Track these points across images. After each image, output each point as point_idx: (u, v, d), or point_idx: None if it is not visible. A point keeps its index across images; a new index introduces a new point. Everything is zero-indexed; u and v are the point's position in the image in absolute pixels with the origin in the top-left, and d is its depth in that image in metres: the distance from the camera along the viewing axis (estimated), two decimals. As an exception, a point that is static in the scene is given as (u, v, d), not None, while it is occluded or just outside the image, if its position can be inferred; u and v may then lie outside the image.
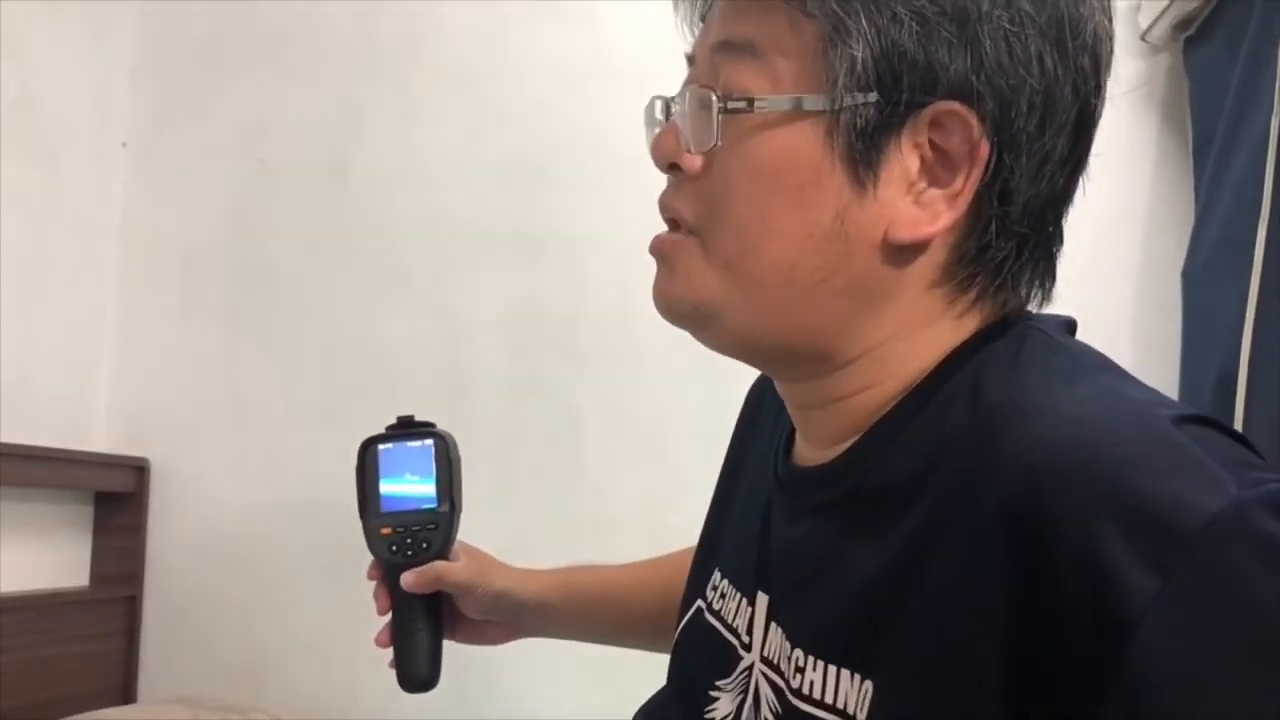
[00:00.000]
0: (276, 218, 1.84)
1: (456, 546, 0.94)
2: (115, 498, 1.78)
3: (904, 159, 0.56)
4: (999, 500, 0.48)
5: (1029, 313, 0.61)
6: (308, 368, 1.79)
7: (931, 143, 0.55)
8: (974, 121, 0.54)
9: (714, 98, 0.58)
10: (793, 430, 0.68)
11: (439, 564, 0.91)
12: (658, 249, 0.63)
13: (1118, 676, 0.43)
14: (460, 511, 0.94)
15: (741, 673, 0.66)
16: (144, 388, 1.84)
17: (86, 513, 1.80)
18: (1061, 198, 0.58)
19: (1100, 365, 0.55)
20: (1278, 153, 1.23)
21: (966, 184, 0.55)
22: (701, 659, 0.72)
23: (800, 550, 0.62)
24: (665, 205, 0.63)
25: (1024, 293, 0.60)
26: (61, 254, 1.78)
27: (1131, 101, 1.59)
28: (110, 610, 1.76)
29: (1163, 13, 1.49)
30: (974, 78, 0.54)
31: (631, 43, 1.67)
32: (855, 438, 0.60)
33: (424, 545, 0.91)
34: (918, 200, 0.56)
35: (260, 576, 1.76)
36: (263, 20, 1.88)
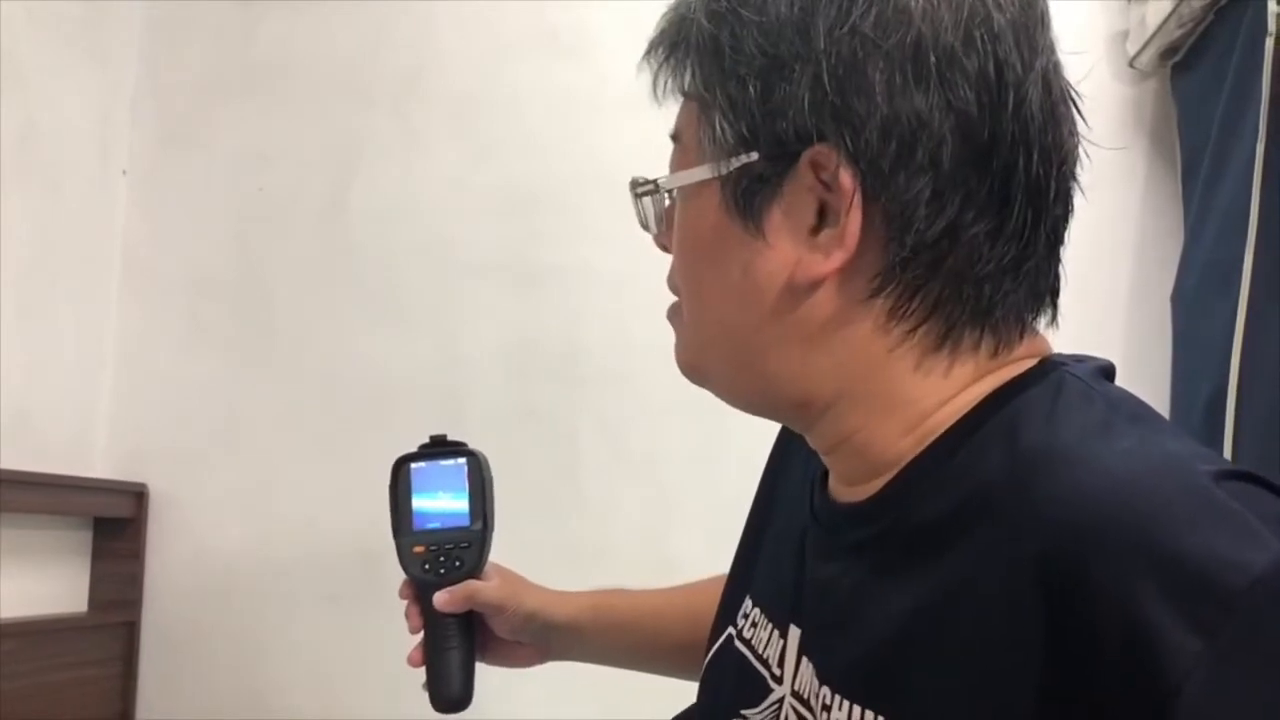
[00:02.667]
0: (277, 246, 1.85)
1: (488, 566, 0.95)
2: (114, 524, 1.79)
3: (793, 206, 0.58)
4: (1035, 555, 0.48)
5: (1064, 356, 0.60)
6: (307, 395, 1.80)
7: (825, 185, 0.56)
8: (833, 157, 0.56)
9: (639, 181, 0.66)
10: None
11: (472, 583, 0.91)
12: (667, 316, 0.69)
13: None
14: (493, 530, 0.94)
15: (772, 705, 0.66)
16: (144, 414, 1.85)
17: (86, 539, 1.80)
18: (1001, 227, 0.57)
19: (1139, 415, 0.54)
20: (1264, 177, 1.24)
21: (846, 219, 0.56)
22: (730, 686, 0.72)
23: (833, 587, 0.63)
24: (667, 279, 0.68)
25: (1007, 326, 0.59)
26: (63, 281, 1.79)
27: (1121, 127, 1.61)
28: (109, 636, 1.76)
29: (1149, 40, 1.51)
30: (814, 117, 0.56)
31: (629, 75, 1.68)
32: (886, 476, 0.60)
33: (457, 564, 0.92)
34: (814, 242, 0.57)
35: (259, 603, 1.76)
36: (263, 50, 1.90)
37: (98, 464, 1.83)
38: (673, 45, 0.63)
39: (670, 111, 0.66)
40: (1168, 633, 0.42)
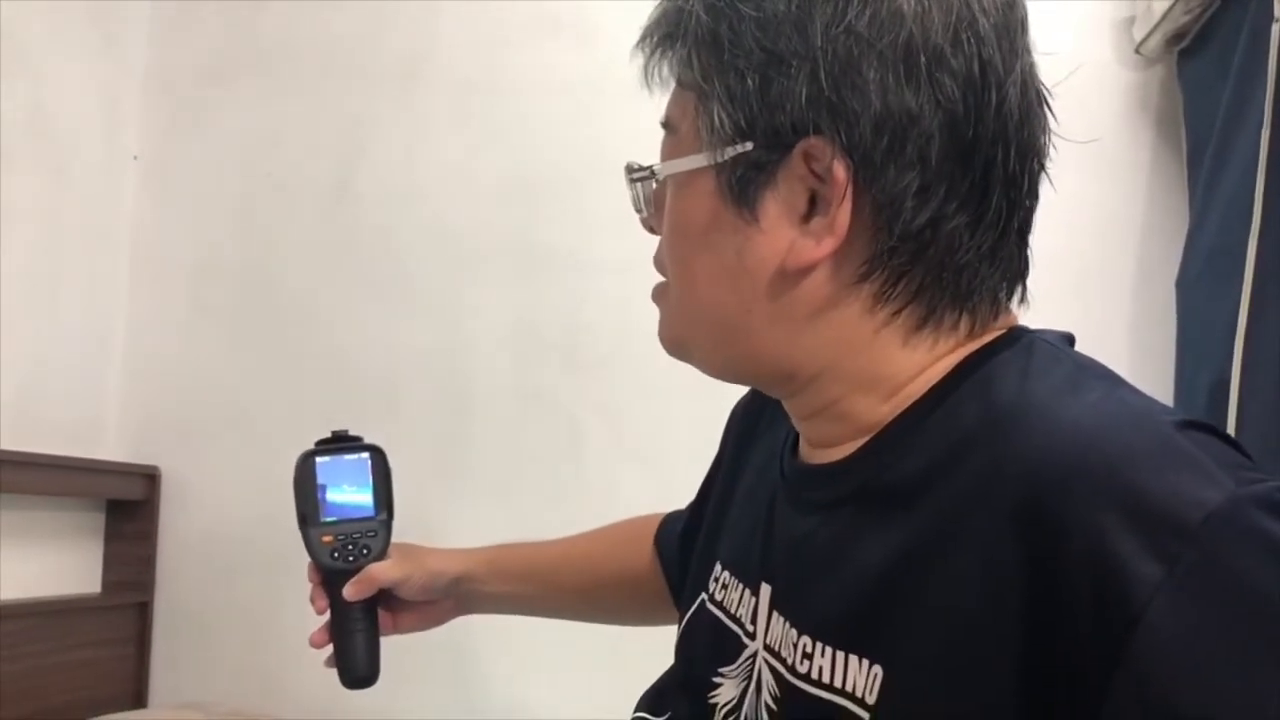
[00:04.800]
0: (283, 230, 1.86)
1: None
2: (126, 505, 1.81)
3: (786, 194, 0.60)
4: (1010, 501, 0.52)
5: (1030, 328, 0.64)
6: (314, 377, 1.81)
7: (817, 175, 0.59)
8: (828, 149, 0.58)
9: (634, 167, 0.68)
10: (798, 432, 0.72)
11: (371, 567, 0.97)
12: (652, 296, 0.71)
13: (1124, 661, 0.46)
14: (393, 518, 1.00)
15: (746, 660, 0.69)
16: (154, 396, 1.87)
17: (98, 520, 1.82)
18: (980, 218, 0.60)
19: (1104, 375, 0.58)
20: (1268, 164, 1.24)
21: (837, 207, 0.59)
22: (705, 647, 0.75)
23: (807, 542, 0.65)
24: (653, 259, 0.71)
25: (983, 307, 0.62)
26: (72, 265, 1.80)
27: (1127, 113, 1.61)
28: (122, 617, 1.78)
29: (1156, 26, 1.50)
30: (811, 112, 0.58)
31: (632, 60, 1.69)
32: (861, 439, 0.63)
33: (364, 551, 0.97)
34: (806, 229, 0.60)
35: (270, 582, 1.77)
36: (270, 36, 1.90)
37: (109, 446, 1.85)
38: (668, 36, 0.64)
39: (663, 98, 0.67)
40: (1132, 563, 0.46)
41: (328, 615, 0.98)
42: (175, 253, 1.90)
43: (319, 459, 1.00)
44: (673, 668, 0.82)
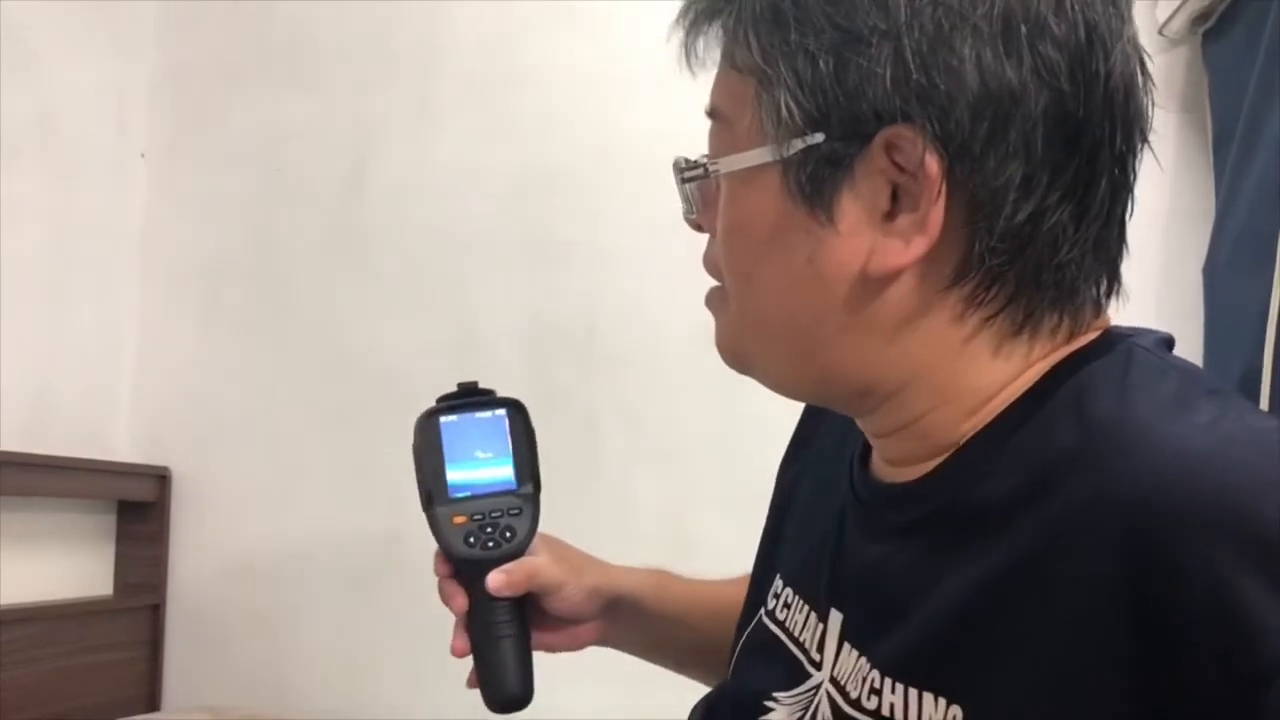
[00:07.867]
0: (295, 227, 1.85)
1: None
2: (138, 507, 1.80)
3: (866, 190, 0.54)
4: (1114, 536, 0.46)
5: (1127, 329, 0.58)
6: (326, 376, 1.80)
7: (900, 168, 0.53)
8: (918, 140, 0.52)
9: (683, 164, 0.61)
10: (868, 442, 0.66)
11: (530, 560, 0.80)
12: (706, 303, 0.65)
13: None
14: (541, 491, 0.82)
15: (808, 690, 0.64)
16: (165, 397, 1.86)
17: (110, 522, 1.81)
18: (1087, 208, 0.54)
19: (1214, 390, 0.52)
20: (1299, 146, 1.21)
21: (929, 205, 0.53)
22: (762, 666, 0.70)
23: (882, 570, 0.60)
24: (704, 261, 0.65)
25: (1085, 307, 0.57)
26: (82, 265, 1.79)
27: (1150, 96, 1.57)
28: (134, 619, 1.77)
29: (1181, 5, 1.47)
30: (897, 97, 0.52)
31: (646, 51, 1.66)
32: (940, 457, 0.58)
33: (508, 535, 0.78)
34: (890, 229, 0.54)
35: (283, 584, 1.77)
36: (280, 31, 1.89)
37: (120, 447, 1.84)
38: (714, 10, 0.58)
39: (698, 84, 0.62)
40: (1262, 608, 0.41)
41: (465, 619, 0.79)
42: (185, 251, 1.88)
43: (443, 418, 0.79)
44: (726, 682, 0.76)
